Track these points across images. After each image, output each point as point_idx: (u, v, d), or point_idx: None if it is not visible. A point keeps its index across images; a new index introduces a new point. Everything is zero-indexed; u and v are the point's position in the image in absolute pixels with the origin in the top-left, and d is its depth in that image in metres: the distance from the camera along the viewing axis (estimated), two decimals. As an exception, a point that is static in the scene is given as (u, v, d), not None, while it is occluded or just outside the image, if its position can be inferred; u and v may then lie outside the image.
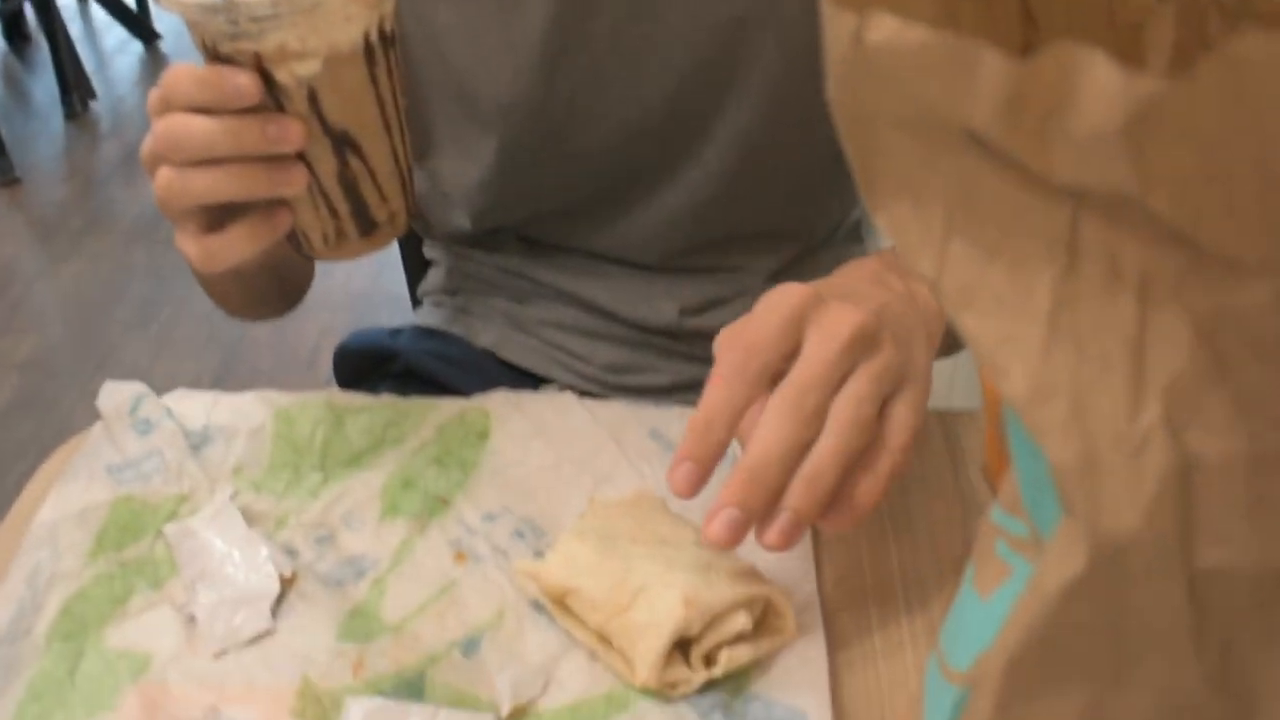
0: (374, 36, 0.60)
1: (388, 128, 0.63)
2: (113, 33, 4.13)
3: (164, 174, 0.60)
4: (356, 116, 0.61)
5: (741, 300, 0.91)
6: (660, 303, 0.91)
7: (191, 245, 0.63)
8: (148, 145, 0.61)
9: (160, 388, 0.77)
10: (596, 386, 0.93)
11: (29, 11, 3.95)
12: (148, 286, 2.73)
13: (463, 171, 0.86)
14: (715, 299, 0.92)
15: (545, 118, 0.81)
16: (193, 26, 0.58)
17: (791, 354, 0.56)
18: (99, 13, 4.19)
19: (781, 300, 0.57)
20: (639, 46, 0.78)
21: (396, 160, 0.65)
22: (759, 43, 0.78)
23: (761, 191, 0.86)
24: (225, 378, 2.38)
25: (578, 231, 0.90)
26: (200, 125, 0.58)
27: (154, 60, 3.99)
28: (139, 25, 4.06)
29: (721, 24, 0.78)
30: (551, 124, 0.81)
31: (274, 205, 0.62)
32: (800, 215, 0.91)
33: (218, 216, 0.63)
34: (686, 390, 0.93)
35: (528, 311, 0.95)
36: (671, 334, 0.92)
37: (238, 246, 0.63)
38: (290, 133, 0.59)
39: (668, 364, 0.93)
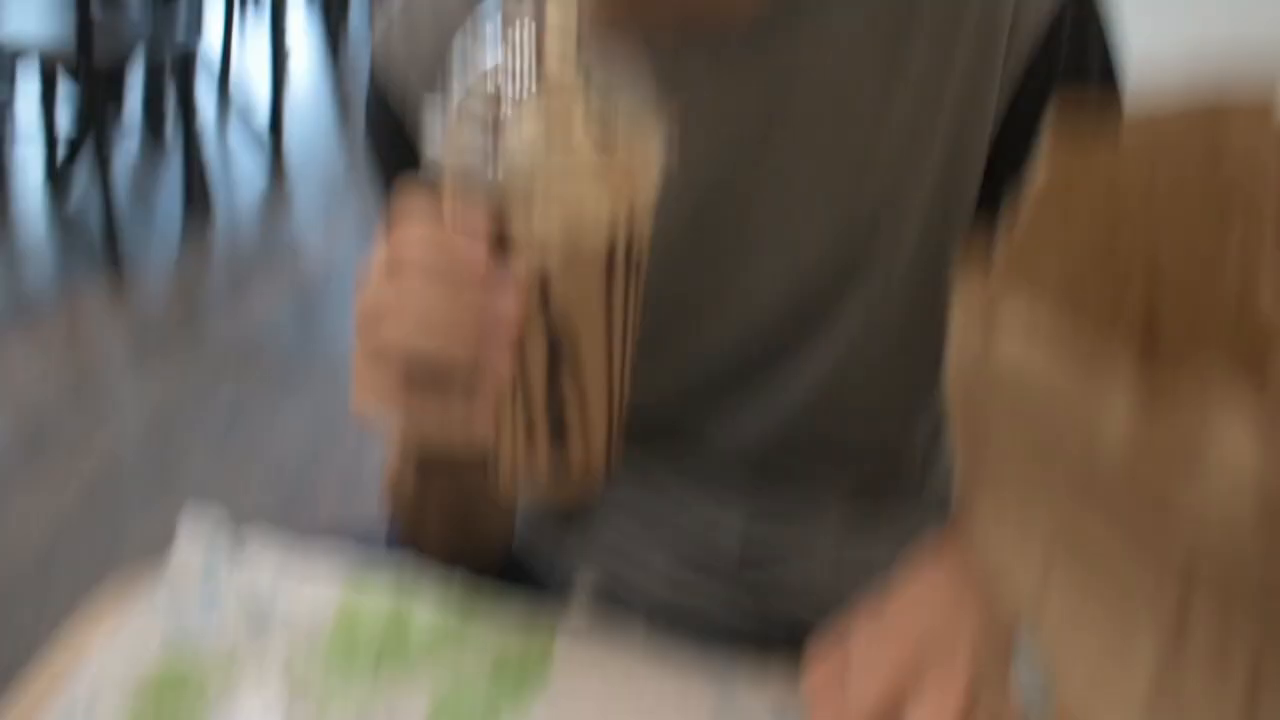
0: (619, 249, 0.59)
1: (609, 355, 0.62)
2: (243, 159, 4.31)
3: (379, 330, 0.60)
4: (581, 324, 0.60)
5: (809, 526, 0.93)
6: (731, 505, 0.93)
7: (381, 397, 0.62)
8: (366, 301, 0.61)
9: (225, 513, 0.78)
10: (654, 601, 0.94)
11: (169, 124, 4.14)
12: (229, 412, 2.79)
13: None
14: (786, 513, 0.93)
15: (670, 312, 0.84)
16: (449, 158, 0.59)
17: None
18: (232, 135, 4.38)
19: (880, 659, 0.61)
20: (767, 241, 0.83)
21: (610, 390, 0.63)
22: (877, 249, 0.82)
23: (862, 399, 0.89)
24: (292, 508, 2.41)
25: (678, 419, 0.92)
26: (425, 289, 0.58)
27: (278, 191, 4.14)
28: (270, 148, 4.25)
29: (845, 227, 0.82)
30: (668, 316, 0.84)
31: (477, 402, 0.61)
32: (885, 431, 0.93)
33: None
34: (745, 640, 0.92)
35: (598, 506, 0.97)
36: (736, 554, 0.93)
37: (429, 415, 0.61)
38: (511, 313, 0.58)
39: (724, 590, 0.94)
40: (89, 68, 3.19)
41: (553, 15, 0.60)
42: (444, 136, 0.59)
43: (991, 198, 0.82)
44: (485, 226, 0.58)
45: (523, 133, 0.57)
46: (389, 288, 0.60)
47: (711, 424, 0.91)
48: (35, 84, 3.62)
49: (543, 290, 0.58)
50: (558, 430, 0.62)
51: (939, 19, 0.79)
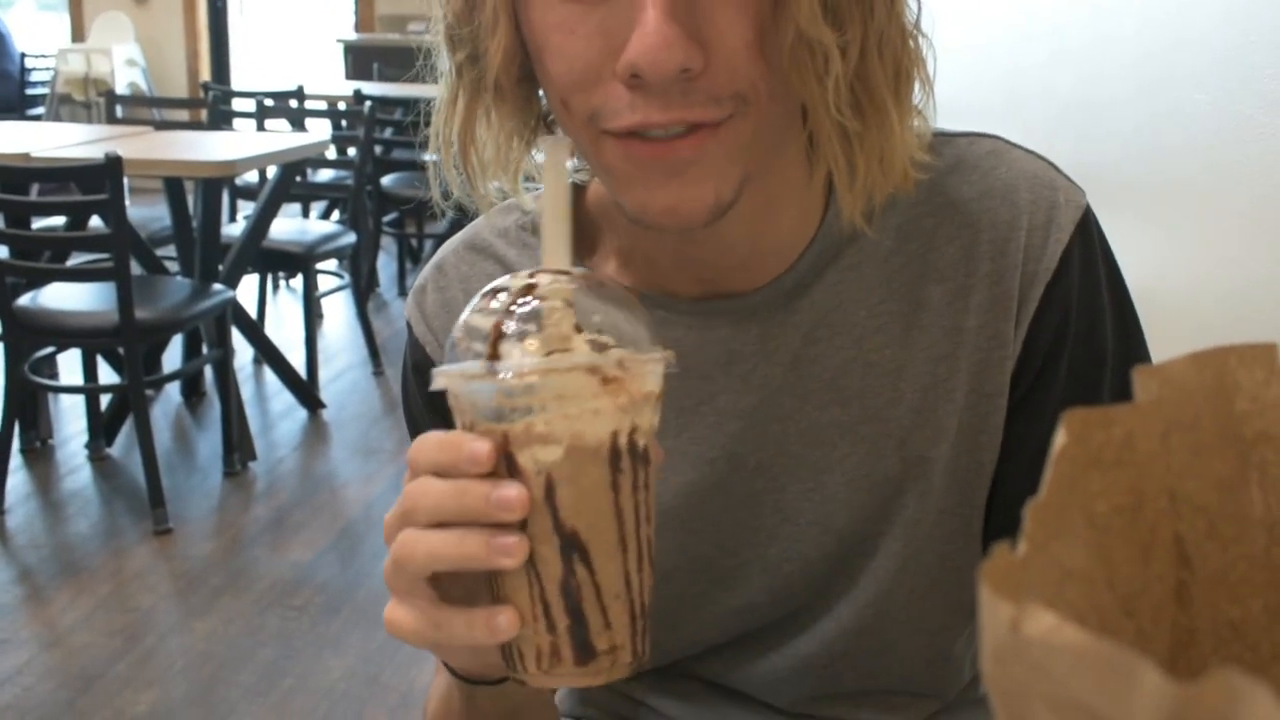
0: (623, 442, 0.60)
1: (624, 545, 0.61)
2: (281, 398, 4.43)
3: (400, 536, 0.61)
4: (590, 521, 0.60)
5: None
6: None
7: (408, 614, 0.63)
8: (392, 513, 0.63)
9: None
10: None
11: (208, 370, 4.28)
12: (274, 652, 2.81)
13: None
14: None
15: (704, 572, 0.87)
16: (454, 403, 0.61)
17: None
18: (270, 378, 4.50)
19: None
20: (798, 499, 0.84)
21: (629, 585, 0.62)
22: (905, 501, 0.83)
23: (896, 645, 0.88)
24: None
25: (708, 668, 0.93)
26: (435, 486, 0.60)
27: (315, 429, 4.25)
28: (306, 393, 4.37)
29: (876, 481, 0.83)
30: (707, 579, 0.87)
31: (500, 606, 0.61)
32: (932, 675, 0.92)
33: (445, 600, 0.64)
34: None
35: None
36: None
37: (454, 632, 0.62)
38: (512, 497, 0.58)
39: None
40: (130, 344, 3.33)
41: (547, 237, 0.65)
42: (446, 370, 0.61)
43: (1012, 449, 0.83)
44: (490, 433, 0.59)
45: (522, 345, 0.60)
46: (406, 487, 0.62)
47: (744, 673, 0.91)
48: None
49: (549, 491, 0.59)
50: (577, 623, 0.61)
51: (952, 264, 0.81)
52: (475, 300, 0.63)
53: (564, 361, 0.60)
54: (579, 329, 0.61)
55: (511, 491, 0.58)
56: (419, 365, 0.89)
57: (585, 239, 0.87)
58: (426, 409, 0.86)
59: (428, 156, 0.83)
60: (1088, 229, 0.82)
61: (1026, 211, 0.81)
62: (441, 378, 0.61)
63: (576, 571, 0.61)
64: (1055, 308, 0.80)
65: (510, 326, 0.61)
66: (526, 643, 0.62)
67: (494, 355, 0.60)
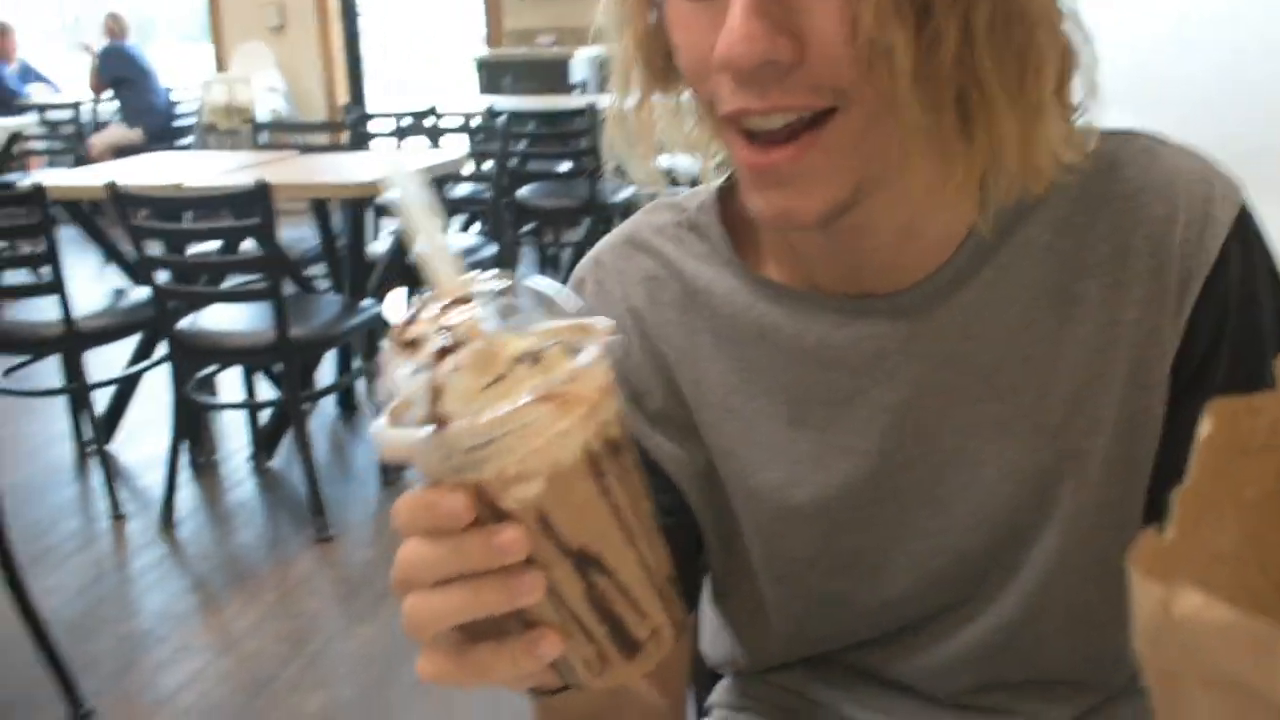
0: (596, 445, 0.58)
1: (630, 538, 0.60)
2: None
3: (407, 601, 0.58)
4: (593, 531, 0.58)
5: None
6: None
7: (441, 662, 0.60)
8: (394, 572, 0.60)
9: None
10: None
11: (361, 383, 4.40)
12: (434, 653, 2.87)
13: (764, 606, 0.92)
14: None
15: (852, 566, 0.88)
16: (415, 461, 0.58)
17: None
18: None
19: None
20: (952, 492, 0.85)
21: (648, 570, 0.61)
22: (1062, 493, 0.83)
23: (1058, 637, 0.88)
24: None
25: (869, 660, 0.93)
26: (428, 550, 0.57)
27: (463, 435, 4.32)
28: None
29: (1030, 474, 0.83)
30: (855, 572, 0.88)
31: (536, 631, 0.59)
32: (1097, 663, 0.91)
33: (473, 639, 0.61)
34: None
35: None
36: None
37: (497, 669, 0.59)
38: (510, 540, 0.55)
39: None
40: (288, 360, 3.45)
41: (430, 260, 0.60)
42: (392, 435, 0.57)
43: (1174, 438, 0.82)
44: (463, 486, 0.56)
45: (462, 393, 0.56)
46: (399, 553, 0.59)
47: (902, 665, 0.91)
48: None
49: (544, 521, 0.57)
50: (614, 627, 0.60)
51: (1108, 260, 0.81)
52: (396, 360, 0.58)
53: (516, 403, 0.55)
54: (505, 343, 0.57)
55: (508, 535, 0.55)
56: None
57: (747, 238, 0.89)
58: None
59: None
60: (1245, 223, 0.81)
61: (1183, 207, 0.80)
62: (393, 449, 0.57)
63: (596, 581, 0.59)
64: (1214, 301, 0.80)
65: (441, 377, 0.56)
66: (572, 655, 0.60)
67: (438, 417, 0.55)
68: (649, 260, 0.90)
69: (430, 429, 0.55)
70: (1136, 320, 0.81)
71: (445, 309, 0.58)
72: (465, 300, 0.59)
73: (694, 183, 0.93)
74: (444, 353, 0.57)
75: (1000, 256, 0.82)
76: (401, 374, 0.58)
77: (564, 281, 0.90)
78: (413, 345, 0.58)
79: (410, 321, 0.59)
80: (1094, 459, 0.83)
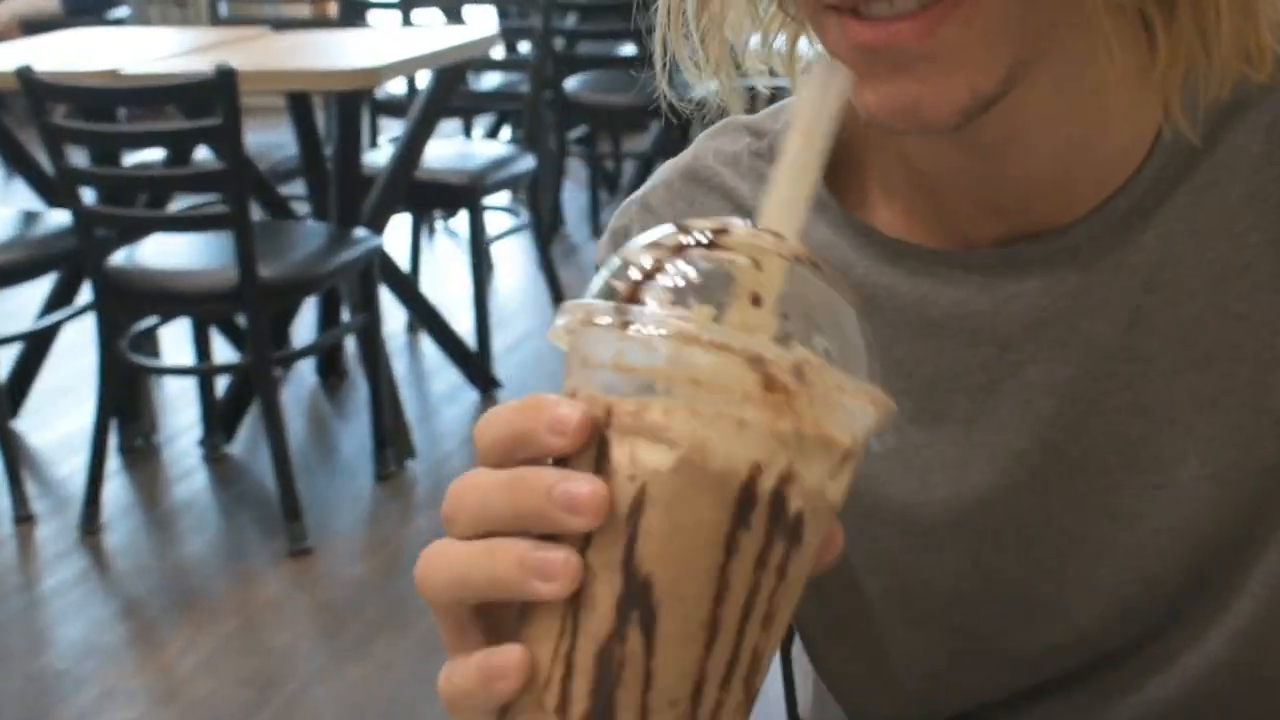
0: (766, 486, 0.54)
1: (710, 635, 0.56)
2: (443, 376, 4.58)
3: (424, 552, 0.58)
4: (677, 575, 0.55)
5: None
6: None
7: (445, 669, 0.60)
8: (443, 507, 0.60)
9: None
10: None
11: (350, 343, 4.46)
12: (443, 710, 2.90)
13: (908, 658, 0.94)
14: None
15: (1008, 600, 0.88)
16: (568, 356, 0.58)
17: None
18: (430, 349, 4.66)
19: None
20: (1138, 507, 0.85)
21: (695, 701, 0.56)
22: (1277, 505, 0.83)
23: (1258, 695, 0.88)
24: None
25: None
26: (485, 479, 0.56)
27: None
28: (475, 369, 4.52)
29: (1247, 471, 0.83)
30: (1012, 608, 0.89)
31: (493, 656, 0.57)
32: None
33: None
34: None
35: None
36: None
37: (459, 685, 0.58)
38: (584, 494, 0.53)
39: None
40: (254, 311, 3.49)
41: (781, 185, 0.62)
42: (573, 305, 0.57)
43: None
44: (592, 403, 0.55)
45: (677, 300, 0.55)
46: (447, 494, 0.58)
47: (1088, 716, 0.90)
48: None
49: (636, 508, 0.54)
50: (600, 708, 0.56)
51: None
52: (653, 231, 0.59)
53: (719, 335, 0.54)
54: (771, 313, 0.56)
55: (584, 487, 0.53)
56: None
57: (850, 174, 0.89)
58: None
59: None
60: None
61: None
62: (559, 315, 0.57)
63: (628, 638, 0.55)
64: None
65: (673, 271, 0.56)
66: (525, 702, 0.57)
67: (633, 299, 0.55)
68: (717, 201, 0.91)
69: (614, 302, 0.55)
70: None
71: (746, 226, 0.58)
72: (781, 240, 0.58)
73: (773, 98, 0.92)
74: (699, 250, 0.56)
75: (1198, 176, 0.82)
76: (642, 245, 0.58)
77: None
78: (681, 230, 0.58)
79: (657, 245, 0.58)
80: None
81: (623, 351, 0.54)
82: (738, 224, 0.58)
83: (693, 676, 0.55)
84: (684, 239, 0.57)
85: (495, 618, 0.59)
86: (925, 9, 0.69)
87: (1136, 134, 0.82)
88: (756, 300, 0.55)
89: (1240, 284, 0.82)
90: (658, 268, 0.56)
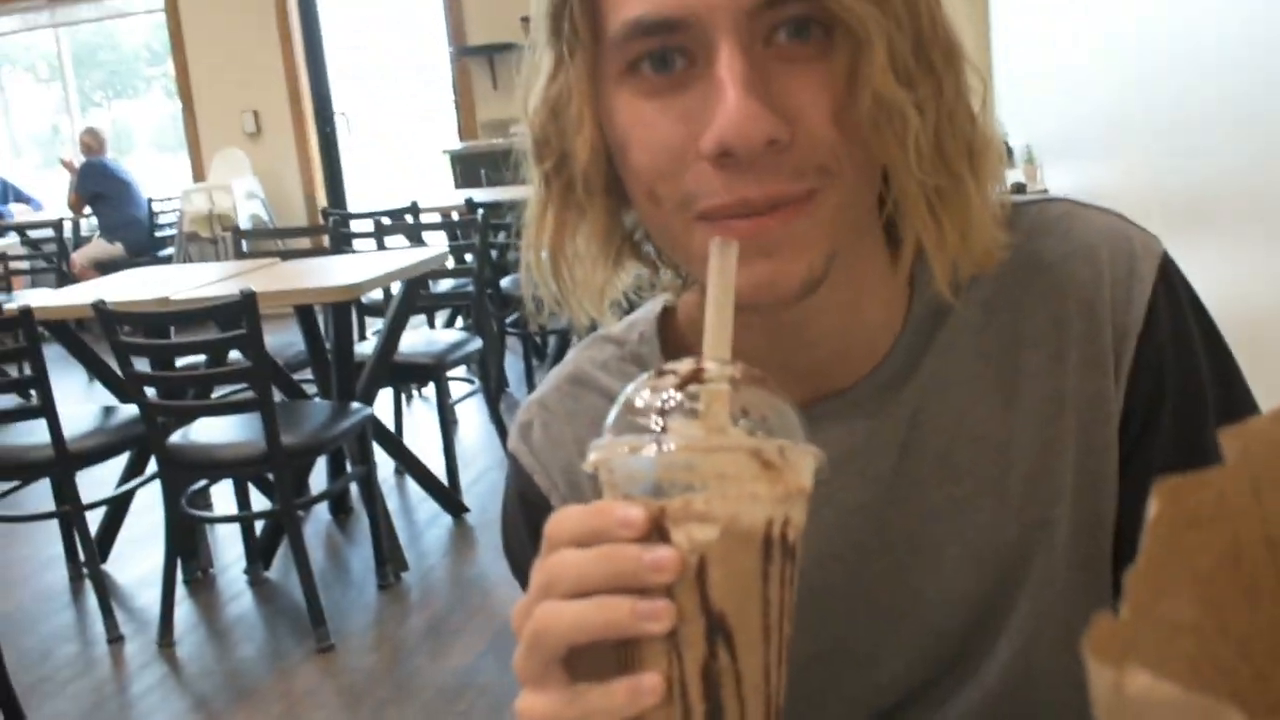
0: (776, 532, 0.60)
1: (767, 637, 0.60)
2: (425, 507, 4.54)
3: (539, 609, 0.59)
4: (739, 605, 0.59)
5: None
6: None
7: (542, 699, 0.61)
8: (524, 599, 0.61)
9: None
10: None
11: (354, 486, 4.42)
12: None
13: None
14: None
15: (844, 658, 0.88)
16: (607, 478, 0.61)
17: None
18: (413, 487, 4.62)
19: None
20: (922, 583, 0.85)
21: (767, 680, 0.61)
22: (1031, 563, 0.84)
23: (1044, 707, 0.88)
24: None
25: None
26: (577, 555, 0.59)
27: (461, 533, 4.35)
28: (449, 499, 4.47)
29: (997, 548, 0.84)
30: (847, 664, 0.88)
31: (644, 673, 0.59)
32: None
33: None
34: None
35: None
36: None
37: (595, 706, 0.59)
38: (667, 558, 0.57)
39: None
40: (280, 470, 3.47)
41: (712, 328, 0.65)
42: (605, 443, 0.61)
43: (1132, 494, 0.83)
44: (645, 505, 0.58)
45: (686, 424, 0.60)
46: (542, 565, 0.60)
47: None
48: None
49: (701, 570, 0.58)
50: (715, 711, 0.60)
51: (1044, 329, 0.83)
52: (641, 378, 0.63)
53: (729, 441, 0.60)
54: (734, 419, 0.61)
55: (665, 552, 0.57)
56: (525, 495, 0.90)
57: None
58: (530, 541, 0.84)
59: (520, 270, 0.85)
60: (1168, 274, 0.83)
61: (1107, 267, 0.82)
62: (598, 450, 0.60)
63: (719, 656, 0.59)
64: (1150, 357, 0.82)
65: (674, 405, 0.61)
66: None
67: (660, 430, 0.60)
68: (597, 398, 0.88)
69: (647, 434, 0.60)
70: (1079, 386, 0.82)
71: (703, 361, 0.63)
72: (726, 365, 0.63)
73: (629, 309, 0.91)
74: (685, 387, 0.61)
75: (940, 339, 0.84)
76: (641, 389, 0.62)
77: (550, 367, 0.90)
78: (661, 374, 0.62)
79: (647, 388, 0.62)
80: (1059, 527, 0.84)
81: (666, 466, 0.59)
82: (707, 362, 0.63)
83: (763, 667, 0.60)
84: (676, 380, 0.62)
85: (577, 659, 0.60)
86: (778, 209, 0.71)
87: (891, 313, 0.84)
88: (727, 409, 0.61)
89: (978, 415, 0.84)
90: (666, 404, 0.61)
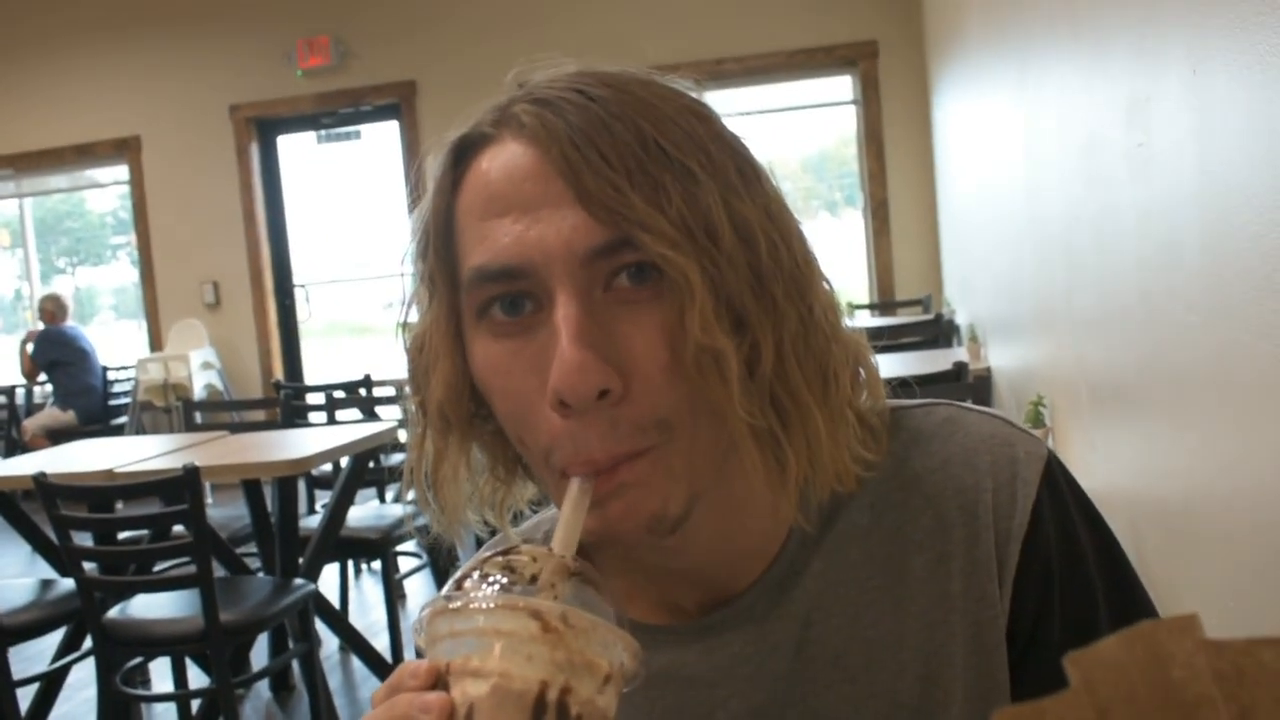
0: (552, 697, 0.62)
1: None
2: (369, 684, 4.47)
3: None
4: None
5: None
6: None
7: None
8: None
9: None
10: None
11: (295, 664, 4.36)
12: None
13: None
14: None
15: None
16: (423, 639, 0.67)
17: None
18: (358, 664, 4.57)
19: None
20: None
21: None
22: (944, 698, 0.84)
23: None
24: None
25: None
26: (380, 706, 0.66)
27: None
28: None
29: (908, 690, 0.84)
30: None
31: None
32: None
33: None
34: None
35: None
36: None
37: None
38: (432, 700, 0.63)
39: None
40: (217, 649, 3.42)
41: (563, 529, 0.70)
42: (426, 606, 0.67)
43: (1027, 695, 0.84)
44: (435, 664, 0.65)
45: (485, 586, 0.65)
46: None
47: None
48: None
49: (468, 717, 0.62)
50: None
51: (928, 534, 0.84)
52: (477, 555, 0.69)
53: (510, 600, 0.63)
54: (544, 594, 0.65)
55: (433, 697, 0.63)
56: None
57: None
58: None
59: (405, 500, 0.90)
60: (1053, 477, 0.85)
61: (989, 473, 0.84)
62: (415, 623, 0.67)
63: None
64: (1036, 560, 0.83)
65: (485, 569, 0.66)
66: None
67: (457, 589, 0.65)
68: None
69: (442, 593, 0.65)
70: (964, 590, 0.83)
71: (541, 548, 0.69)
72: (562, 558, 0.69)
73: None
74: (504, 556, 0.67)
75: (825, 545, 0.86)
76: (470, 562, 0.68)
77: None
78: (500, 550, 0.68)
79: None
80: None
81: (452, 622, 0.63)
82: (540, 549, 0.68)
83: None
84: (488, 553, 0.68)
85: None
86: (622, 464, 0.74)
87: (775, 523, 0.87)
88: (534, 579, 0.66)
89: (868, 616, 0.85)
90: (476, 567, 0.66)
